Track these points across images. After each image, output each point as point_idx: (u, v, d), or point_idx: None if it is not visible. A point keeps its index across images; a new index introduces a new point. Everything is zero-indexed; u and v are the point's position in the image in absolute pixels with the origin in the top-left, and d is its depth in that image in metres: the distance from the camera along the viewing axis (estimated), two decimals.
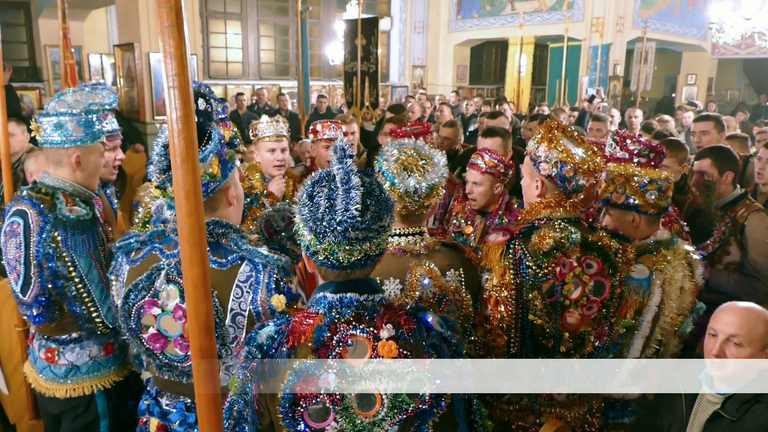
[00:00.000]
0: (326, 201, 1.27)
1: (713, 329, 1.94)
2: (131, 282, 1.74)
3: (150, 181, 1.77)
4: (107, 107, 2.20)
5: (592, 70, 12.60)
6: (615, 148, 2.75)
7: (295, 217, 2.24)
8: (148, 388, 1.94)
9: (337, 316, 1.32)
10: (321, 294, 1.36)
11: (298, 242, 2.20)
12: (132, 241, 1.80)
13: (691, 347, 2.59)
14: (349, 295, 1.33)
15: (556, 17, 13.50)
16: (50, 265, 2.06)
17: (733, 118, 8.78)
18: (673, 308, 2.17)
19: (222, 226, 1.73)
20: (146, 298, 1.72)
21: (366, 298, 1.34)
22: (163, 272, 1.70)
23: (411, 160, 1.85)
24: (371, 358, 1.29)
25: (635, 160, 2.59)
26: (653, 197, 2.22)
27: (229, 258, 1.69)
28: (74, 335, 2.21)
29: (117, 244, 1.83)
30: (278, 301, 1.65)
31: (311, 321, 1.32)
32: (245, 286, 1.68)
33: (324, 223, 1.27)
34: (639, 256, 2.17)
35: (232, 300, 1.67)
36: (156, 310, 1.72)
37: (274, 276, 1.68)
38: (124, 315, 1.77)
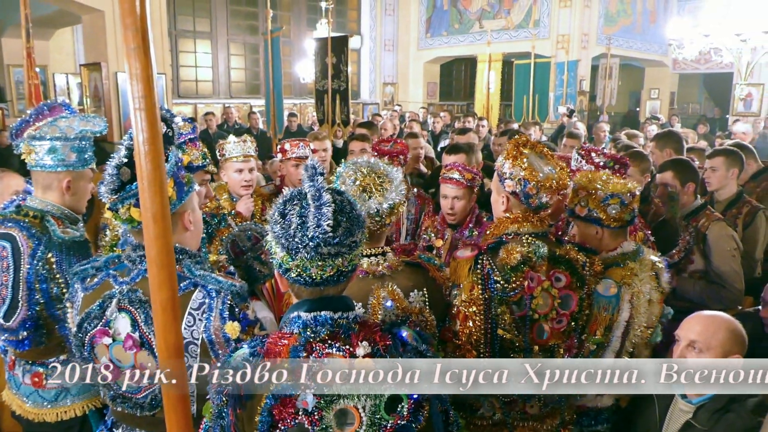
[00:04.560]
0: (298, 218, 1.27)
1: (678, 335, 2.00)
2: (84, 310, 1.70)
3: None
4: (98, 135, 2.22)
5: (558, 86, 12.86)
6: (581, 162, 2.81)
7: (262, 236, 2.24)
8: (105, 418, 1.89)
9: (312, 335, 1.30)
10: (295, 313, 1.35)
11: (265, 261, 2.19)
12: (89, 267, 1.76)
13: (660, 356, 2.63)
14: (323, 313, 1.32)
15: (523, 35, 13.77)
16: (42, 287, 2.06)
17: (692, 131, 9.40)
18: (642, 322, 2.19)
19: (176, 252, 1.67)
20: (98, 327, 1.68)
21: (340, 316, 1.33)
22: (114, 300, 1.66)
23: (369, 180, 1.82)
24: None
25: (601, 172, 2.65)
26: (614, 211, 2.23)
27: (181, 285, 1.63)
28: (62, 357, 2.18)
29: (74, 270, 1.79)
30: (232, 328, 1.61)
31: (286, 341, 1.31)
32: (198, 314, 1.63)
33: (296, 240, 1.26)
34: (606, 269, 2.20)
35: (185, 328, 1.61)
36: (107, 340, 1.67)
37: (228, 302, 1.64)
38: (78, 344, 1.72)
